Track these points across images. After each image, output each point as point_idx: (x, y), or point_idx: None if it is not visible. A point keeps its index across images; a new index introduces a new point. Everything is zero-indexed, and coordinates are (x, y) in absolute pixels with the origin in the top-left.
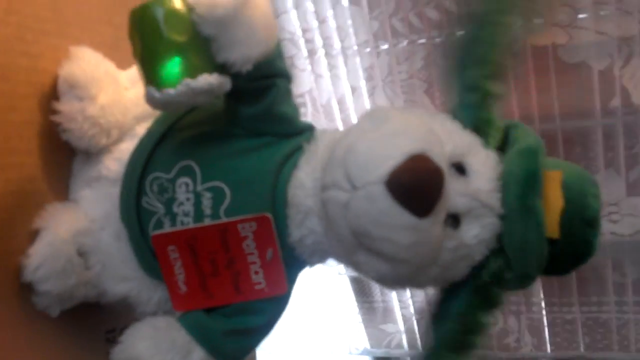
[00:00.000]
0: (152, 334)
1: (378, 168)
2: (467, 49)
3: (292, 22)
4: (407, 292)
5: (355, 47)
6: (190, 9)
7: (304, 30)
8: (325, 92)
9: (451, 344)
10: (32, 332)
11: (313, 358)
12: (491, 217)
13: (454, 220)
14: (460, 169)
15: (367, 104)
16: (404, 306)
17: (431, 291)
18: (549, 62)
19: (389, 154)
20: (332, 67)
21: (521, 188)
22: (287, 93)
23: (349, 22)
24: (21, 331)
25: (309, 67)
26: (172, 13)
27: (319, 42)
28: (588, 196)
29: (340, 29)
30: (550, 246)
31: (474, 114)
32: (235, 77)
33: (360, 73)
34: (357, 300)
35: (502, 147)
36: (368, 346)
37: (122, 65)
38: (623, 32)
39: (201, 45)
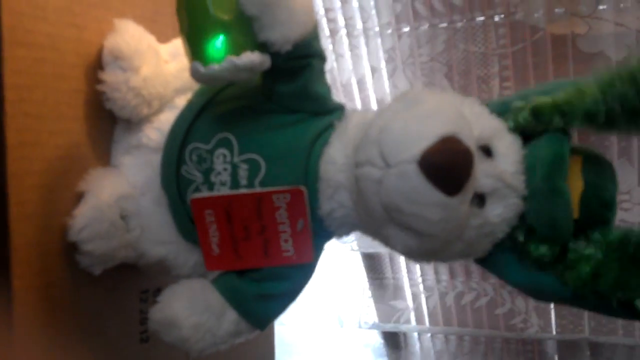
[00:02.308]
0: (188, 295)
1: (411, 148)
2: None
3: (316, 2)
4: (417, 271)
5: (377, 29)
6: None
7: (327, 10)
8: (345, 71)
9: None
10: (74, 288)
11: (324, 331)
12: (515, 198)
13: (480, 199)
14: (487, 151)
15: (386, 85)
16: (414, 284)
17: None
18: (567, 51)
19: (422, 134)
20: (353, 47)
21: (549, 170)
22: (322, 73)
23: (372, 3)
24: (65, 288)
25: (330, 47)
26: None
27: (341, 22)
28: (606, 179)
29: (362, 9)
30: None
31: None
32: (275, 55)
33: (381, 54)
34: (368, 277)
35: (523, 132)
36: (377, 321)
37: (160, 38)
38: None
39: (244, 25)
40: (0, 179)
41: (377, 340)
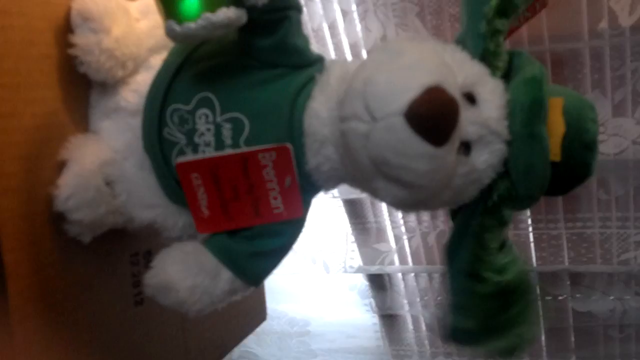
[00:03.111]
0: (181, 258)
1: (397, 100)
2: None
3: None
4: (399, 214)
5: None
6: None
7: None
8: (316, 16)
9: (469, 267)
10: (64, 258)
11: (311, 277)
12: (499, 143)
13: (466, 147)
14: (470, 98)
15: (359, 29)
16: (396, 226)
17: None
18: None
19: (407, 86)
20: None
21: (527, 115)
22: (299, 25)
23: None
24: (55, 257)
25: None
26: None
27: None
28: (587, 121)
29: None
30: (552, 169)
31: (482, 44)
32: (251, 9)
33: None
34: (351, 222)
35: (506, 75)
36: (362, 264)
37: None
38: None
39: None
40: None
41: (362, 282)
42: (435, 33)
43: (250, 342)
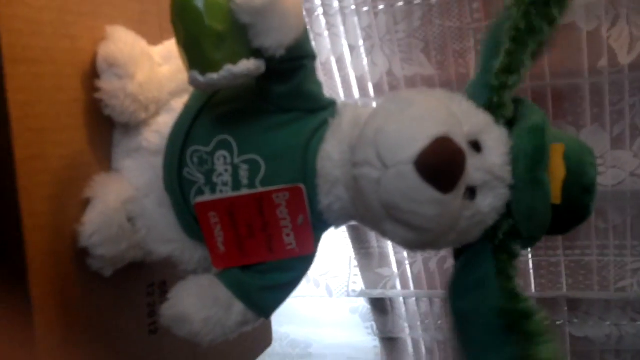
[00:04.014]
0: (197, 291)
1: (407, 149)
2: (495, 35)
3: None
4: None
5: (353, 7)
6: None
7: None
8: (324, 50)
9: (505, 303)
10: (86, 291)
11: (314, 299)
12: (503, 188)
13: (471, 192)
14: (476, 146)
15: (365, 63)
16: (398, 251)
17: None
18: None
19: (417, 136)
20: (330, 26)
21: (530, 162)
22: (314, 72)
23: None
24: (78, 290)
25: (308, 27)
26: (213, 3)
27: (317, 1)
28: (586, 165)
29: None
30: (553, 210)
31: (489, 94)
32: (269, 60)
33: (359, 32)
34: (354, 247)
35: (510, 121)
36: (364, 288)
37: (149, 38)
38: None
39: (239, 33)
40: (13, 194)
41: (364, 306)
42: (439, 68)
43: None
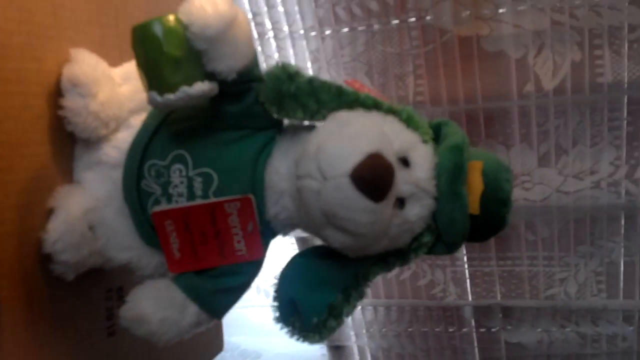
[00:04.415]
0: (154, 294)
1: (344, 164)
2: None
3: (244, 6)
4: None
5: (302, 32)
6: (185, 27)
7: (255, 14)
8: None
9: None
10: (50, 294)
11: (263, 309)
12: (428, 199)
13: (400, 202)
14: (404, 161)
15: None
16: None
17: None
18: (473, 51)
19: (352, 152)
20: (280, 49)
21: (450, 177)
22: None
23: (296, 8)
24: (42, 294)
25: (259, 49)
26: (170, 31)
27: (268, 25)
28: (502, 181)
29: (287, 14)
30: (472, 220)
31: None
32: (222, 82)
33: (307, 55)
34: None
35: (435, 140)
36: None
37: (108, 59)
38: (536, 26)
39: (194, 58)
40: None
41: None
42: (381, 90)
43: None
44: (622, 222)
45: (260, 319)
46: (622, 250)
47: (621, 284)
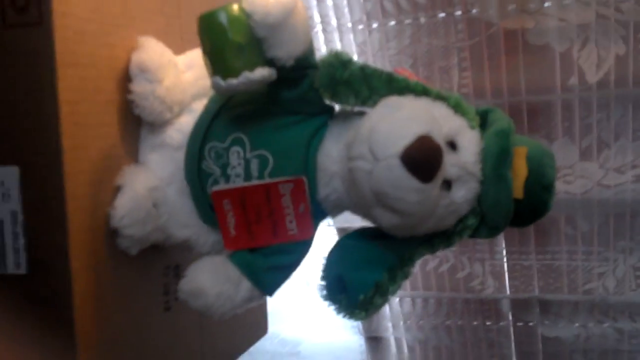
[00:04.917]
0: (211, 269)
1: (395, 145)
2: None
3: None
4: None
5: (350, 25)
6: (248, 15)
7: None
8: None
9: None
10: (115, 267)
11: (303, 300)
12: (474, 182)
13: (447, 184)
14: (452, 145)
15: None
16: None
17: None
18: (518, 44)
19: (403, 134)
20: (328, 42)
21: (496, 161)
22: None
23: (344, 2)
24: (108, 266)
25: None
26: (235, 19)
27: (317, 19)
28: (546, 167)
29: (336, 7)
30: (515, 205)
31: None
32: (280, 69)
33: (354, 48)
34: None
35: (481, 126)
36: None
37: (172, 47)
38: (581, 19)
39: (256, 45)
40: (59, 179)
41: None
42: (426, 82)
43: None
44: None
45: (301, 309)
46: None
47: None
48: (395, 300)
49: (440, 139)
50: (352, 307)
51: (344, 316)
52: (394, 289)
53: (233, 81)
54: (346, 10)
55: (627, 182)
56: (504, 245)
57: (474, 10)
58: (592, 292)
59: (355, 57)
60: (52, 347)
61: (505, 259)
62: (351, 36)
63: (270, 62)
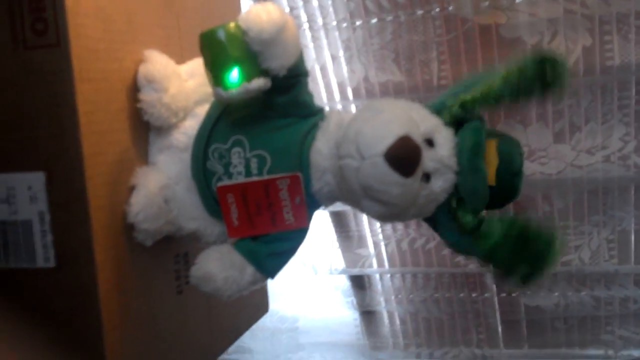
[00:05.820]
0: (218, 257)
1: (379, 145)
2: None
3: (281, 1)
4: (377, 224)
5: (335, 23)
6: (243, 32)
7: (292, 8)
8: (309, 60)
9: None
10: (133, 257)
11: (300, 278)
12: (451, 174)
13: (426, 177)
14: (430, 142)
15: (345, 70)
16: (374, 234)
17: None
18: (492, 38)
19: (386, 135)
20: (315, 39)
21: (471, 154)
22: (307, 85)
23: (329, 2)
24: (127, 257)
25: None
26: (232, 36)
27: (304, 18)
28: (515, 155)
29: (322, 7)
30: (490, 191)
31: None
32: (273, 78)
33: (339, 44)
34: (336, 231)
35: (453, 124)
36: (345, 267)
37: (172, 56)
38: (550, 14)
39: (252, 58)
40: (81, 182)
41: (345, 283)
42: (407, 75)
43: (245, 338)
44: (632, 193)
45: (298, 287)
46: (633, 219)
47: (632, 250)
48: (386, 276)
49: (418, 137)
50: None
51: None
52: None
53: (233, 92)
54: (331, 9)
55: (597, 162)
56: None
57: (450, 8)
58: (570, 264)
59: (341, 53)
60: (80, 331)
61: None
62: (336, 34)
63: (265, 73)
